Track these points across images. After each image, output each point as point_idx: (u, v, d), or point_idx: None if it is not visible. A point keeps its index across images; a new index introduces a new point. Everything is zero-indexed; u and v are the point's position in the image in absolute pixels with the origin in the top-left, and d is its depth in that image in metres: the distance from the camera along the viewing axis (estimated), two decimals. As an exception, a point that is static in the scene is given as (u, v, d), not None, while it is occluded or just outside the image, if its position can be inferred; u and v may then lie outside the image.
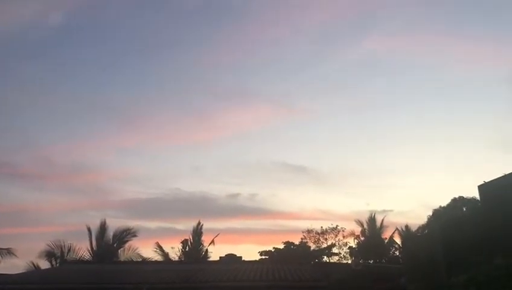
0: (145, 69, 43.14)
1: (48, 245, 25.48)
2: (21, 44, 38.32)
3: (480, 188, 17.34)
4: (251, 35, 38.78)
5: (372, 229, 30.74)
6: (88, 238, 26.21)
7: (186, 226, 31.00)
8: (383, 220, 30.75)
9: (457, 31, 36.20)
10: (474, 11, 36.48)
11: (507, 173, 15.59)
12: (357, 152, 45.77)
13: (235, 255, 22.37)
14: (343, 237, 32.10)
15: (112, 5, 36.91)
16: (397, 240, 30.19)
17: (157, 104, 45.24)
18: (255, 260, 24.11)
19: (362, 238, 31.12)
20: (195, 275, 15.80)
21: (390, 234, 30.54)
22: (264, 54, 41.83)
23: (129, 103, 43.96)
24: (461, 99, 41.65)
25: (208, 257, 27.16)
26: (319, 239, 32.47)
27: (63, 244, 25.65)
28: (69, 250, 25.72)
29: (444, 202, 27.14)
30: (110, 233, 26.49)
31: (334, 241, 32.15)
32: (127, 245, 26.56)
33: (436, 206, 27.59)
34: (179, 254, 27.45)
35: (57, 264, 25.04)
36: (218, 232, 28.45)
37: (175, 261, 26.21)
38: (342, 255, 31.60)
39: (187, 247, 27.50)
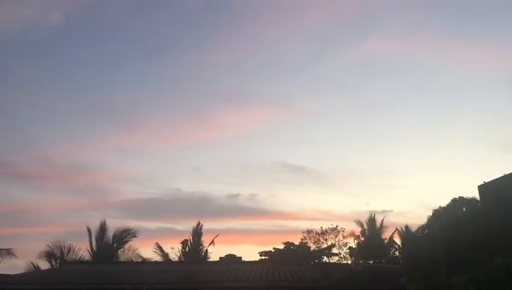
0: (145, 69, 43.15)
1: (48, 245, 25.52)
2: (21, 44, 38.34)
3: (480, 188, 17.33)
4: (251, 35, 38.81)
5: (372, 230, 30.74)
6: (88, 239, 26.22)
7: (186, 226, 31.02)
8: (382, 221, 30.80)
9: (457, 33, 36.30)
10: (474, 12, 36.47)
11: (507, 173, 15.59)
12: (357, 152, 45.80)
13: (235, 255, 22.37)
14: (343, 237, 32.12)
15: (112, 5, 36.91)
16: (397, 240, 30.23)
17: (157, 105, 45.31)
18: (255, 261, 24.12)
19: (362, 239, 31.12)
20: (195, 275, 15.80)
21: (390, 234, 30.58)
22: (264, 55, 41.86)
23: (129, 103, 44.04)
24: (461, 100, 41.66)
25: (208, 258, 27.17)
26: (319, 239, 32.47)
27: (62, 244, 25.68)
28: (68, 250, 25.73)
29: (444, 202, 27.16)
30: (110, 233, 26.51)
31: (334, 242, 32.16)
32: (126, 246, 26.57)
33: (436, 207, 27.61)
34: (178, 254, 27.45)
35: (57, 265, 25.03)
36: (218, 233, 28.49)
37: (175, 261, 26.20)
38: (341, 255, 31.62)
39: (187, 247, 27.49)
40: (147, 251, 27.43)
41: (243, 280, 14.87)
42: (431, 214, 27.53)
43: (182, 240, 27.73)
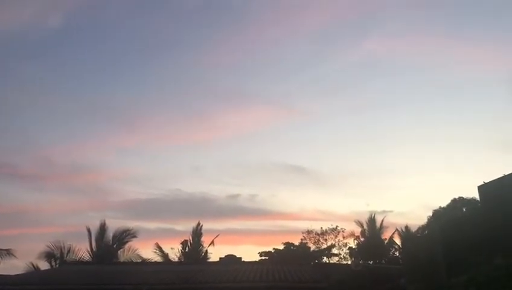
0: (145, 69, 43.22)
1: (48, 246, 25.55)
2: (21, 44, 38.38)
3: (480, 188, 17.28)
4: (251, 35, 38.86)
5: (372, 230, 30.75)
6: (88, 239, 26.26)
7: (186, 227, 31.07)
8: (382, 221, 30.82)
9: (457, 33, 36.27)
10: (474, 12, 36.47)
11: (507, 173, 15.56)
12: (357, 153, 45.84)
13: (235, 256, 22.38)
14: (343, 237, 32.16)
15: (112, 5, 36.97)
16: (397, 240, 30.24)
17: (157, 105, 45.33)
18: (255, 261, 24.14)
19: (362, 239, 31.13)
20: (195, 276, 15.80)
21: (390, 234, 30.61)
22: (264, 55, 41.96)
23: (129, 103, 44.01)
24: (461, 100, 41.76)
25: (208, 258, 27.20)
26: (318, 240, 32.49)
27: (62, 245, 25.72)
28: (68, 251, 25.76)
29: (444, 202, 27.19)
30: (109, 234, 26.54)
31: (334, 242, 32.19)
32: (126, 246, 26.58)
33: (436, 207, 27.65)
34: (178, 254, 27.50)
35: (57, 265, 25.04)
36: (218, 233, 28.53)
37: (175, 262, 26.23)
38: (341, 255, 31.66)
39: (187, 248, 27.50)
40: (147, 252, 27.51)
41: (242, 280, 14.87)
42: (431, 215, 27.58)
43: (182, 240, 27.80)
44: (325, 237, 32.39)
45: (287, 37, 41.12)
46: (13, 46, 36.89)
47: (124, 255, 26.37)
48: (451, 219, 22.80)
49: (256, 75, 44.04)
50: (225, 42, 39.96)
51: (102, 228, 26.41)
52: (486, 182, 16.78)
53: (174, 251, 27.58)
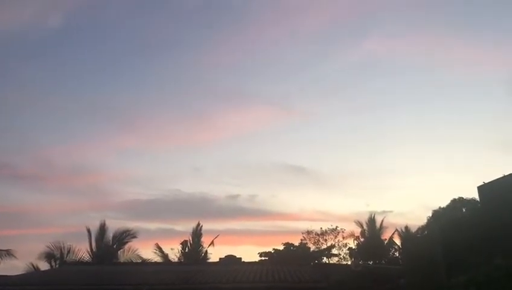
0: (145, 69, 43.24)
1: (48, 246, 25.52)
2: (21, 44, 38.45)
3: (480, 188, 17.31)
4: (251, 36, 38.92)
5: (371, 230, 30.75)
6: (88, 240, 26.21)
7: (186, 227, 31.10)
8: (382, 221, 30.84)
9: (457, 33, 36.29)
10: (474, 12, 36.56)
11: (507, 173, 15.58)
12: (357, 153, 45.79)
13: (235, 256, 22.37)
14: (343, 238, 32.17)
15: (112, 5, 37.00)
16: (397, 241, 30.25)
17: (157, 105, 45.27)
18: (255, 261, 24.11)
19: (362, 239, 31.12)
20: (194, 276, 15.80)
21: (389, 235, 30.61)
22: (264, 55, 42.02)
23: (129, 104, 44.06)
24: (461, 100, 41.83)
25: (208, 258, 27.18)
26: (318, 240, 32.49)
27: (62, 245, 25.68)
28: (68, 251, 25.73)
29: (444, 203, 27.21)
30: (109, 234, 26.49)
31: (333, 243, 32.20)
32: (126, 246, 26.55)
33: (436, 207, 27.66)
34: (178, 255, 27.47)
35: (57, 266, 25.03)
36: (217, 234, 28.50)
37: (174, 262, 26.21)
38: (341, 256, 31.67)
39: (187, 248, 27.49)
40: (147, 252, 27.47)
41: (242, 280, 14.87)
42: (431, 215, 27.58)
43: (182, 240, 27.77)
44: (324, 237, 32.41)
45: (287, 37, 41.21)
46: (13, 46, 37.04)
47: (124, 255, 26.37)
48: (451, 219, 22.81)
49: (256, 75, 44.13)
50: (225, 42, 40.05)
51: (102, 229, 26.40)
52: (486, 182, 16.81)
53: (174, 251, 27.61)
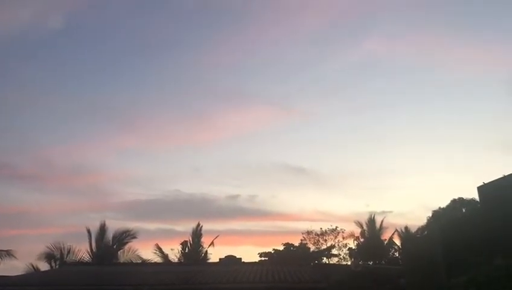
0: (145, 69, 43.30)
1: (48, 247, 25.47)
2: (21, 44, 38.45)
3: (480, 189, 17.32)
4: (251, 36, 38.95)
5: (371, 231, 30.76)
6: (88, 240, 26.14)
7: (186, 227, 31.07)
8: (382, 222, 30.87)
9: (457, 33, 36.32)
10: (474, 12, 36.59)
11: (506, 174, 15.59)
12: (357, 153, 45.87)
13: (235, 256, 22.36)
14: (343, 238, 32.21)
15: (112, 5, 37.01)
16: (397, 241, 30.28)
17: (157, 105, 45.34)
18: (255, 262, 24.10)
19: (362, 240, 31.14)
20: (194, 276, 15.79)
21: (389, 235, 30.64)
22: (264, 55, 42.04)
23: (129, 104, 44.11)
24: (461, 100, 41.87)
25: (208, 259, 27.16)
26: (318, 240, 32.53)
27: (62, 246, 25.64)
28: (68, 252, 25.69)
29: (444, 203, 27.29)
30: (109, 235, 26.42)
31: (333, 243, 32.24)
32: (126, 247, 26.49)
33: (436, 208, 27.73)
34: (178, 255, 27.45)
35: (57, 266, 25.00)
36: (217, 234, 28.46)
37: (174, 262, 26.20)
38: (341, 256, 31.71)
39: (187, 248, 27.47)
40: (147, 252, 27.44)
41: (242, 281, 14.87)
42: (430, 215, 27.65)
43: (182, 241, 27.75)
44: (324, 237, 32.44)
45: (287, 37, 41.30)
46: (13, 46, 37.02)
47: (124, 256, 26.33)
48: (451, 219, 22.84)
49: (256, 75, 44.15)
50: (225, 42, 40.08)
51: (102, 229, 26.35)
52: (485, 182, 16.81)
53: (174, 251, 27.59)
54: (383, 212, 38.68)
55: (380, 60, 39.56)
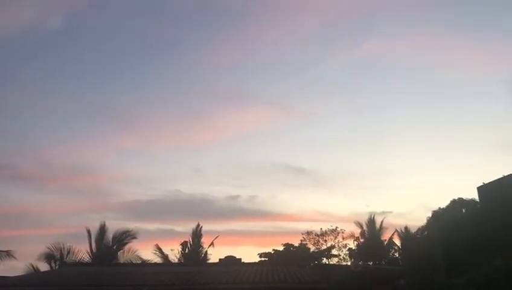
0: (145, 69, 43.35)
1: (48, 247, 25.48)
2: (21, 45, 38.49)
3: (480, 189, 17.31)
4: (251, 36, 38.97)
5: (371, 231, 30.77)
6: (87, 241, 26.16)
7: (186, 228, 31.09)
8: (382, 222, 30.89)
9: (457, 33, 36.34)
10: (474, 12, 36.63)
11: (506, 174, 15.59)
12: (357, 154, 45.97)
13: (235, 257, 22.38)
14: (343, 238, 32.22)
15: (112, 5, 37.04)
16: (396, 241, 30.28)
17: (157, 105, 45.34)
18: (255, 262, 24.11)
19: (362, 240, 31.15)
20: (194, 277, 15.79)
21: (389, 235, 30.66)
22: (264, 55, 42.10)
23: (129, 104, 44.14)
24: (461, 101, 41.77)
25: (208, 259, 27.15)
26: (318, 241, 32.53)
27: (62, 246, 25.66)
28: (68, 252, 25.70)
29: (443, 203, 27.33)
30: (109, 235, 26.44)
31: (333, 243, 32.24)
32: (126, 247, 26.50)
33: (436, 208, 27.77)
34: (178, 256, 27.45)
35: (57, 267, 25.00)
36: (217, 234, 28.46)
37: (174, 263, 26.20)
38: (341, 256, 31.73)
39: (186, 249, 27.47)
40: (147, 253, 27.44)
41: (242, 281, 14.86)
42: (430, 215, 27.68)
43: (182, 241, 27.76)
44: (324, 238, 32.44)
45: (287, 37, 41.32)
46: (13, 46, 37.03)
47: (123, 256, 26.33)
48: (451, 219, 22.85)
49: (256, 75, 44.19)
50: (225, 42, 40.11)
51: (102, 229, 26.36)
52: (485, 183, 16.80)
53: (174, 252, 27.58)
54: (383, 212, 38.81)
55: (380, 60, 39.63)
